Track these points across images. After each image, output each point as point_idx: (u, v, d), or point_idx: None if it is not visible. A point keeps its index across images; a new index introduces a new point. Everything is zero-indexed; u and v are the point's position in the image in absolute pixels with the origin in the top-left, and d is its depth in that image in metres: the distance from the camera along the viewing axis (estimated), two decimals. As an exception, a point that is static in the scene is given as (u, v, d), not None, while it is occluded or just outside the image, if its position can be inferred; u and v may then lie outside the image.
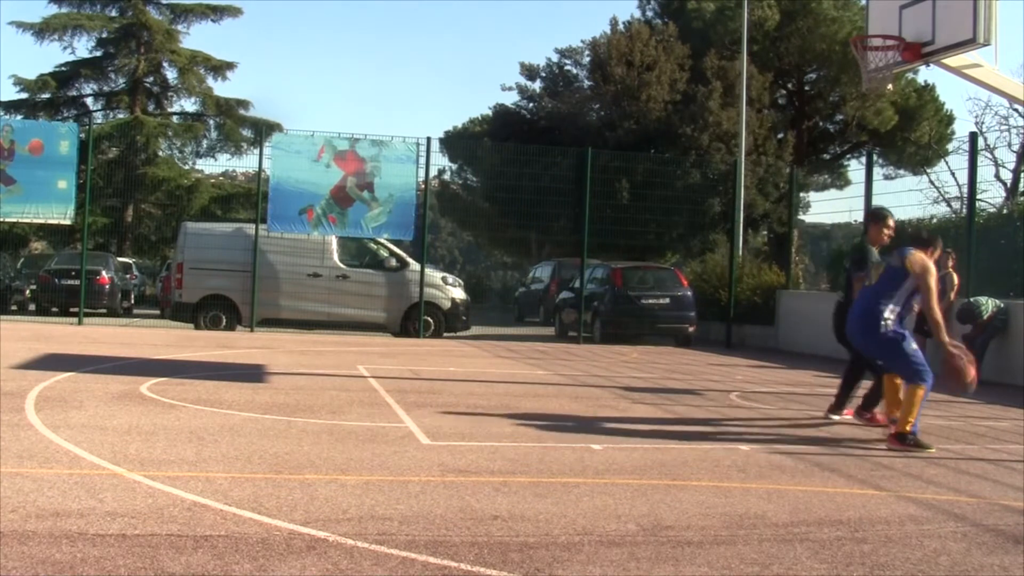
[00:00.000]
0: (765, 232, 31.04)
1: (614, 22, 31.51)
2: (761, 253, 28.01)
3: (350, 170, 17.19)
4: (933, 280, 6.94)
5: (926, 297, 6.92)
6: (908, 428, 6.73)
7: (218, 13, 36.81)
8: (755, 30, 27.12)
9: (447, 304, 17.66)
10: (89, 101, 36.57)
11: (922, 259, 6.95)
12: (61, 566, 3.40)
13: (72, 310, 19.63)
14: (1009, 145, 34.56)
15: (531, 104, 32.46)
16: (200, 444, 5.82)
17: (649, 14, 33.04)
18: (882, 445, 6.90)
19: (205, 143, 36.39)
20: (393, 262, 17.66)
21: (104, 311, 21.48)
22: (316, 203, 16.99)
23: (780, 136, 29.92)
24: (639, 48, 28.44)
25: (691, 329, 18.14)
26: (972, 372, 6.90)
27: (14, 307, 21.63)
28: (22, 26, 34.66)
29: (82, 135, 18.87)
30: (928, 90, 31.26)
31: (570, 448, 6.26)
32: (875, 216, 8.29)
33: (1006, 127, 34.20)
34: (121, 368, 10.05)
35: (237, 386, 8.86)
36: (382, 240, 17.75)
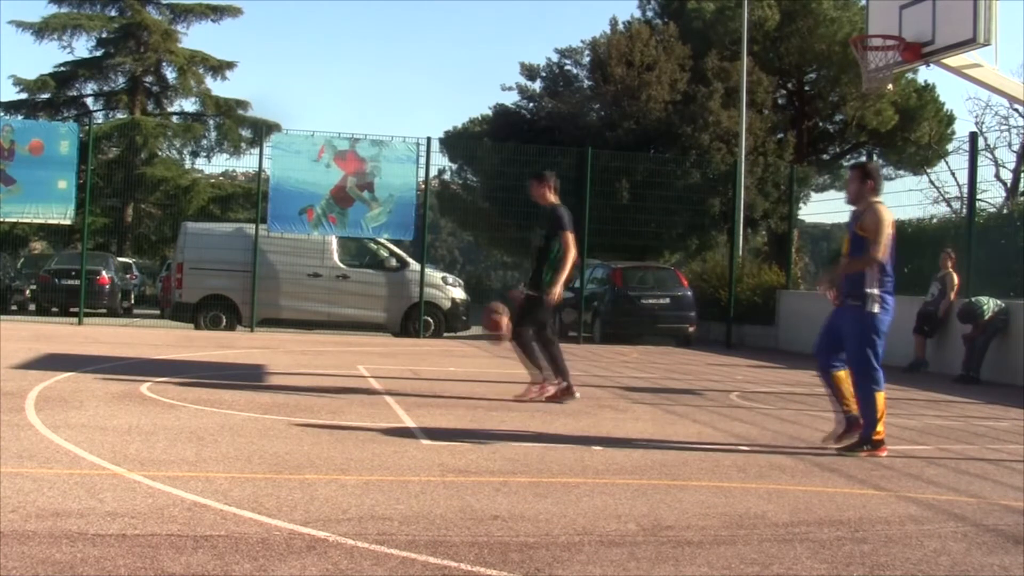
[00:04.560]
0: (765, 232, 31.04)
1: (614, 22, 31.53)
2: (761, 253, 28.01)
3: (350, 170, 17.19)
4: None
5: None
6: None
7: (218, 13, 36.87)
8: (755, 30, 27.11)
9: (447, 304, 17.66)
10: (89, 101, 36.66)
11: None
12: (61, 566, 3.40)
13: (72, 310, 19.64)
14: (1009, 145, 34.67)
15: (531, 104, 32.44)
16: (200, 444, 5.82)
17: (649, 14, 33.04)
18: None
19: (204, 143, 36.45)
20: (393, 262, 17.66)
21: (104, 311, 21.50)
22: (316, 203, 17.00)
23: (780, 136, 29.92)
24: (639, 48, 28.43)
25: (691, 329, 18.14)
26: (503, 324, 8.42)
27: (14, 307, 21.66)
28: (22, 26, 34.75)
29: (82, 135, 18.88)
30: (928, 90, 31.26)
31: (570, 448, 6.26)
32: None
33: (1006, 127, 34.30)
34: (121, 368, 10.05)
35: (237, 386, 8.85)
36: (382, 240, 17.75)
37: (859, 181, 6.59)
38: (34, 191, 16.92)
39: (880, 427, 6.35)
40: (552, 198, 8.79)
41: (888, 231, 6.32)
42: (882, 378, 6.38)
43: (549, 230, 8.63)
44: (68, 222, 18.10)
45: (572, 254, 8.48)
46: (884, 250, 6.30)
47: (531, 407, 8.27)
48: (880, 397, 6.35)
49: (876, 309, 6.31)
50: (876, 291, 6.31)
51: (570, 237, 8.49)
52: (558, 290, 8.46)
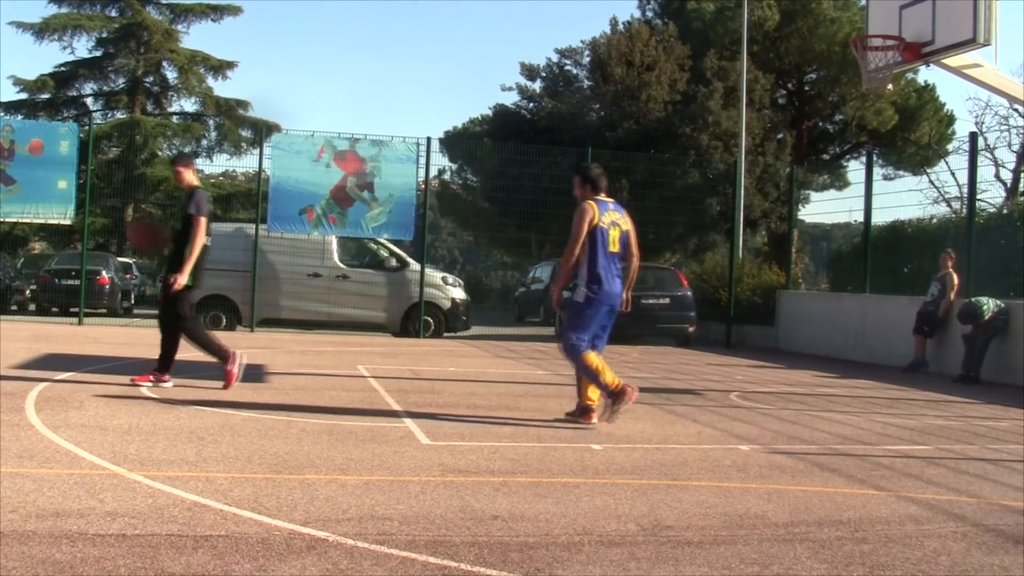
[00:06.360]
0: (765, 232, 31.06)
1: (614, 22, 31.59)
2: (761, 253, 28.04)
3: (350, 170, 17.19)
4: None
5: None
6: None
7: (218, 13, 36.89)
8: (755, 30, 27.14)
9: (447, 304, 17.66)
10: (89, 101, 36.64)
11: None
12: (61, 566, 3.40)
13: (72, 310, 19.62)
14: (1009, 145, 34.67)
15: (531, 104, 32.47)
16: (200, 444, 5.82)
17: (649, 14, 33.09)
18: (881, 447, 6.91)
19: (205, 143, 36.44)
20: (393, 262, 17.66)
21: (104, 311, 21.48)
22: (316, 203, 17.00)
23: (780, 136, 29.93)
24: (639, 48, 28.45)
25: (691, 329, 18.14)
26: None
27: (14, 307, 21.64)
28: (22, 26, 34.75)
29: (82, 135, 18.86)
30: (928, 90, 31.29)
31: (570, 448, 6.26)
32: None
33: (1006, 127, 34.30)
34: (121, 368, 10.04)
35: (237, 386, 8.84)
36: (382, 240, 17.75)
37: (579, 185, 7.47)
38: (34, 191, 16.91)
39: (609, 378, 7.07)
40: (193, 180, 8.63)
41: (582, 230, 7.15)
42: (583, 347, 7.11)
43: (186, 213, 8.46)
44: (68, 222, 18.09)
45: (200, 240, 8.27)
46: (576, 247, 7.16)
47: (531, 407, 8.27)
48: (588, 357, 7.08)
49: (578, 297, 7.24)
50: (582, 283, 7.21)
51: (202, 222, 8.27)
52: (183, 278, 8.18)
